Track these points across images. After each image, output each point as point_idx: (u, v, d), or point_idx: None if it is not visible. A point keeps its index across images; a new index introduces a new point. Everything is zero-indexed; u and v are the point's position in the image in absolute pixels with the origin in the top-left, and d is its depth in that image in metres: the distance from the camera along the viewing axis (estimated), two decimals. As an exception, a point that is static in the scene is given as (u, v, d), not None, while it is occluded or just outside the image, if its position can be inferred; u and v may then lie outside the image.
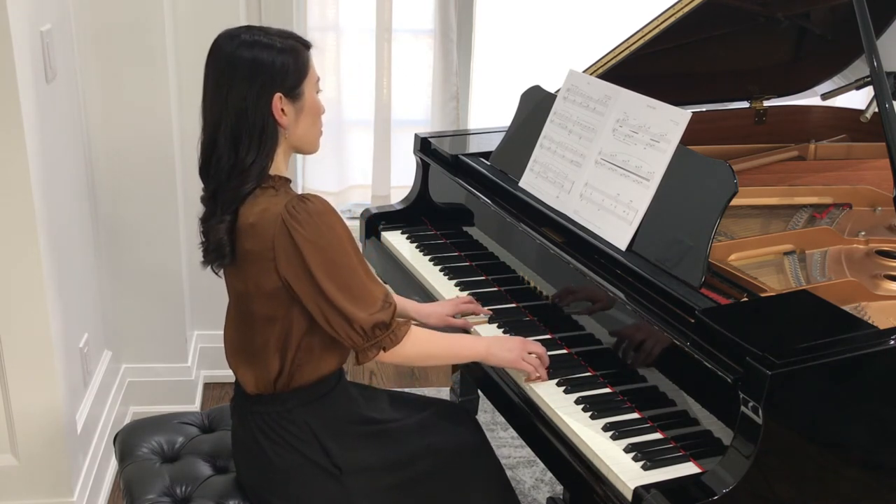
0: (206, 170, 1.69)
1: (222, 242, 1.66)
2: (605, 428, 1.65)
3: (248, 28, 1.68)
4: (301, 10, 3.15)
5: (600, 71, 2.24)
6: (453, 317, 2.02)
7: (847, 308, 1.64)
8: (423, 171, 2.54)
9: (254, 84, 1.62)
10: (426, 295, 2.22)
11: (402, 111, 3.38)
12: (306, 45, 1.70)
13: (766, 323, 1.59)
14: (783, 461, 1.44)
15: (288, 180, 1.72)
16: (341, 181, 3.44)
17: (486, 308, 2.05)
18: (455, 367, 2.62)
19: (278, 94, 1.63)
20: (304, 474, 1.73)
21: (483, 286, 2.19)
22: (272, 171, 1.68)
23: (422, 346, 1.75)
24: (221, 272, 1.76)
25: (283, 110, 1.65)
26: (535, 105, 2.22)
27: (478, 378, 1.95)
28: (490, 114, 3.46)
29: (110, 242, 2.82)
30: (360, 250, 1.69)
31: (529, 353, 1.81)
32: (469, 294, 2.13)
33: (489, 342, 1.83)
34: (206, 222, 1.70)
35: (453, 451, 1.84)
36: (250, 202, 1.65)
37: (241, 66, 1.62)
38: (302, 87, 1.68)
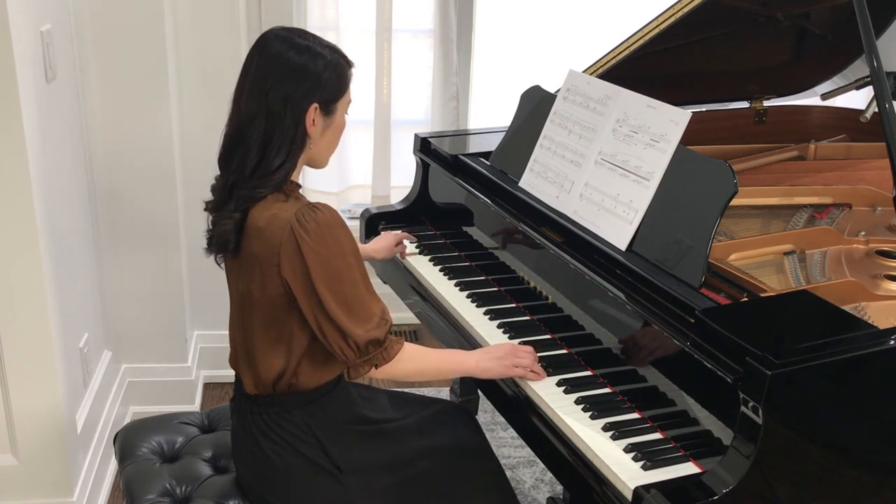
0: (227, 160, 1.68)
1: (228, 237, 1.67)
2: (605, 428, 1.65)
3: (301, 32, 1.68)
4: (301, 10, 3.15)
5: (600, 71, 2.24)
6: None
7: (847, 308, 1.63)
8: (423, 171, 2.54)
9: (298, 88, 1.62)
10: (426, 295, 2.22)
11: (402, 111, 3.38)
12: (349, 64, 1.71)
13: (766, 323, 1.58)
14: (783, 461, 1.44)
15: (299, 186, 1.72)
16: (341, 181, 3.44)
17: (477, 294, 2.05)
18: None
19: (315, 105, 1.64)
20: (303, 474, 1.73)
21: (483, 286, 2.18)
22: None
23: (413, 363, 1.75)
24: (223, 263, 1.76)
25: (314, 121, 1.65)
26: (535, 105, 2.22)
27: (477, 378, 1.95)
28: (490, 114, 3.45)
29: (110, 242, 2.82)
30: (364, 263, 1.70)
31: (518, 358, 1.80)
32: (469, 294, 2.13)
33: (479, 356, 1.83)
34: (216, 212, 1.70)
35: (453, 451, 1.85)
36: (262, 205, 1.65)
37: (290, 67, 1.62)
38: (337, 104, 1.69)
